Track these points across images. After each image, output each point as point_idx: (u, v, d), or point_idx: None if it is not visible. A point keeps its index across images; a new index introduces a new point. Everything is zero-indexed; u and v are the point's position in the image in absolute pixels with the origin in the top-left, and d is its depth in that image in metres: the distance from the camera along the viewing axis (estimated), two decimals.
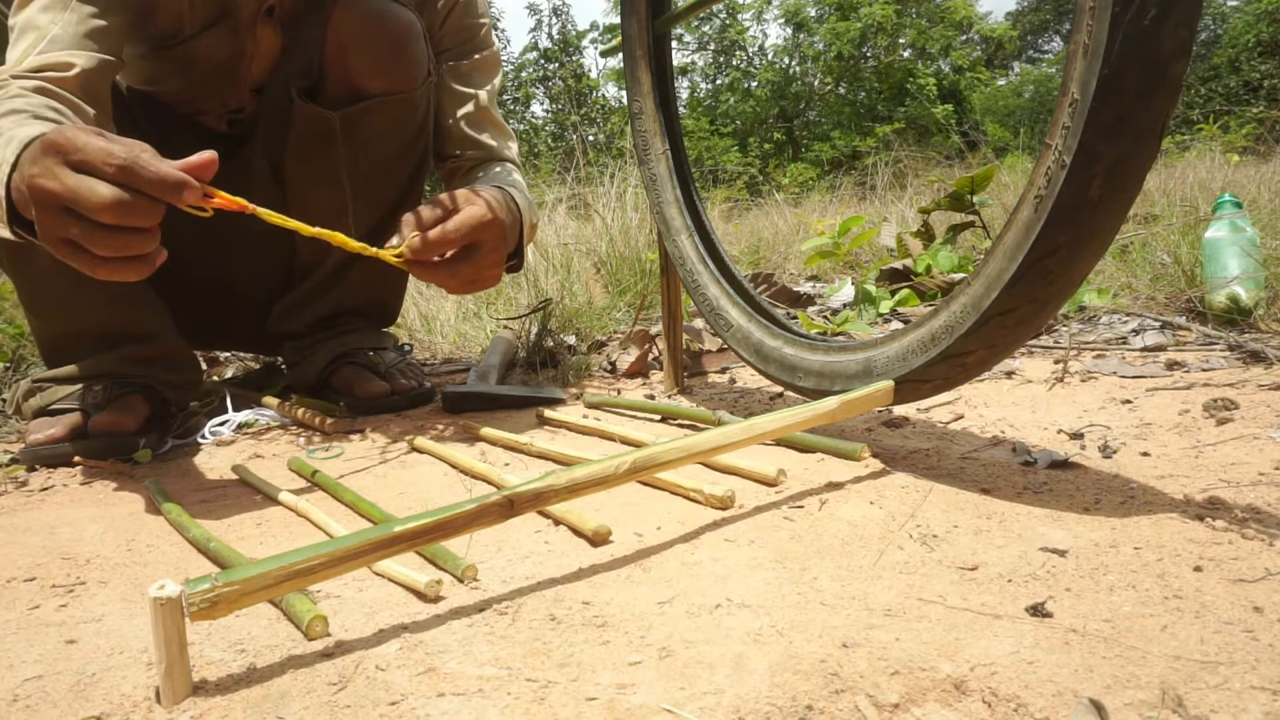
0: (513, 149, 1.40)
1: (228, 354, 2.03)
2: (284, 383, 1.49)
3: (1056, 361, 1.28)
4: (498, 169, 1.34)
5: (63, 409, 1.14)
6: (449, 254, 0.93)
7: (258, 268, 1.42)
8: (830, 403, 0.78)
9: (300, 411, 1.26)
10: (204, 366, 1.76)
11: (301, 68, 1.25)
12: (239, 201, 0.72)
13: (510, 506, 0.58)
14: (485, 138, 1.38)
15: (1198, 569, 0.55)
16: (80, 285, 1.13)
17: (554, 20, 22.07)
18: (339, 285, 1.41)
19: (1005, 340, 0.72)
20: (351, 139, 1.28)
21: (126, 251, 0.70)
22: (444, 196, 0.97)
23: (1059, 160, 0.62)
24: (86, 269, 0.72)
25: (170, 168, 0.69)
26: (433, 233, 0.90)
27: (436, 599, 0.59)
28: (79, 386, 1.16)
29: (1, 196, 0.77)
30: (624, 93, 1.21)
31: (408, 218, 0.92)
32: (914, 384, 0.80)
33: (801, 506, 0.72)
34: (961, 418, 1.01)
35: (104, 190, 0.68)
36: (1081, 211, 0.62)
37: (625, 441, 1.00)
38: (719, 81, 21.69)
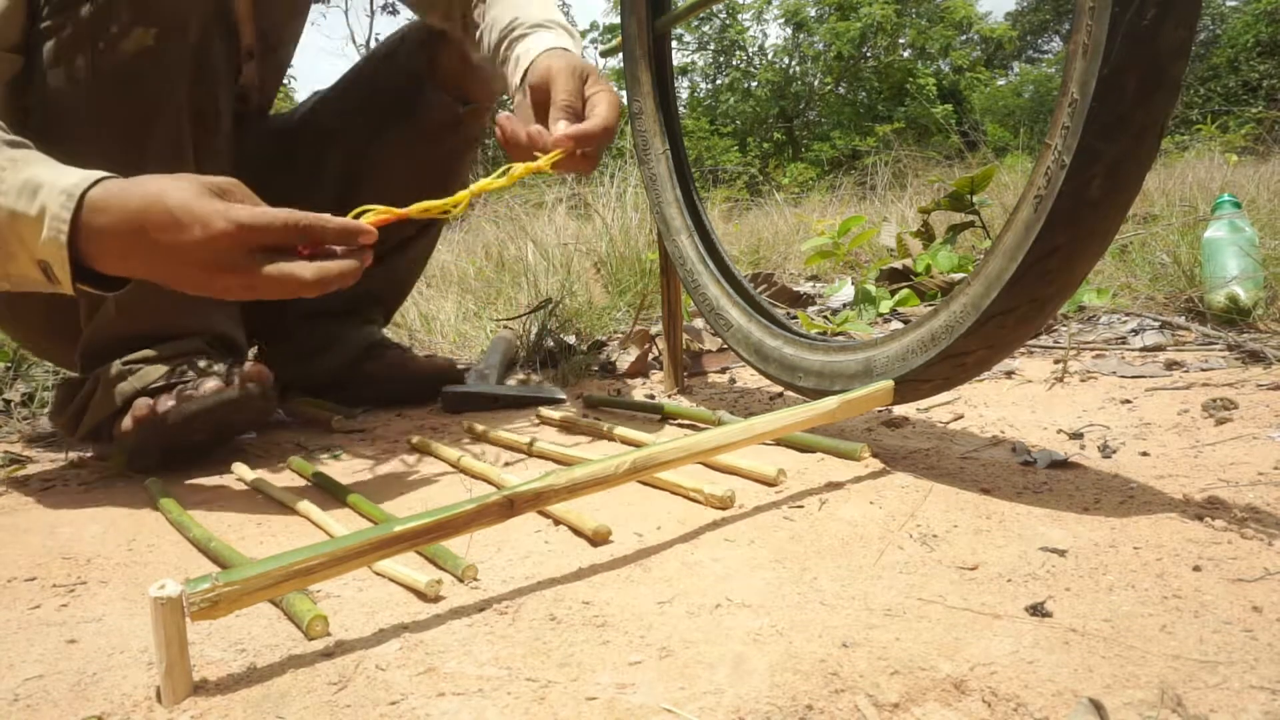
0: None
1: None
2: (283, 382, 1.48)
3: (1056, 361, 1.28)
4: None
5: (163, 385, 1.06)
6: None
7: None
8: (830, 403, 0.78)
9: (302, 411, 1.26)
10: None
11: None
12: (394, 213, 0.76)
13: (510, 506, 0.58)
14: None
15: (1197, 569, 0.55)
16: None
17: None
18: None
19: (1005, 340, 0.72)
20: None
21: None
22: (586, 89, 0.94)
23: (1059, 160, 0.62)
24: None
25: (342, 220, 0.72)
26: (585, 137, 0.88)
27: (436, 599, 0.59)
28: (167, 368, 1.07)
29: (64, 259, 0.71)
30: (624, 93, 1.21)
31: (561, 121, 0.89)
32: (914, 384, 0.80)
33: (801, 506, 0.72)
34: (961, 418, 1.01)
35: (307, 275, 0.70)
36: (1081, 211, 0.62)
37: (625, 441, 1.00)
38: (719, 81, 21.68)
